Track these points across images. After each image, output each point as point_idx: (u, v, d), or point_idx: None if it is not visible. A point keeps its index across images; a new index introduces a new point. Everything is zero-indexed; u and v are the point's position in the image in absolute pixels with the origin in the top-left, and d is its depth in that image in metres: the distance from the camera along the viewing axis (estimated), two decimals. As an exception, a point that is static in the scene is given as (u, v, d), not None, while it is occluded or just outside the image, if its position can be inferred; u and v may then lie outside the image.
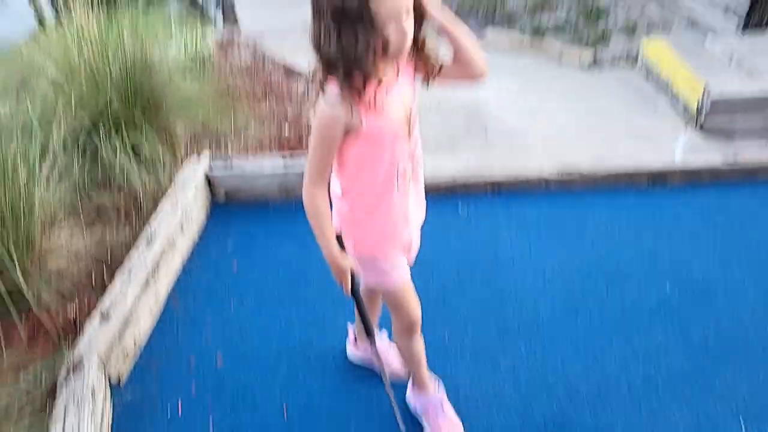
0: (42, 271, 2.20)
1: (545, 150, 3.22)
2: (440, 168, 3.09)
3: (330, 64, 1.19)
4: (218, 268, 2.47)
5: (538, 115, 3.61)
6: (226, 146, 3.52)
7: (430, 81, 1.36)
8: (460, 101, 3.86)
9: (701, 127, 3.26)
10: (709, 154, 3.07)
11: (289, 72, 4.85)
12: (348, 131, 1.26)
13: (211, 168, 2.76)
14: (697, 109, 3.31)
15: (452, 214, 2.68)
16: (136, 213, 2.74)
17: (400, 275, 1.51)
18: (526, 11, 4.92)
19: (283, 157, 2.69)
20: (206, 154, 2.83)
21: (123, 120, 2.82)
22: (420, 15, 1.24)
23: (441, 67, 1.34)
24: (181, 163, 3.28)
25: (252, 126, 3.86)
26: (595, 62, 4.25)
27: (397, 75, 1.28)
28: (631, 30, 4.46)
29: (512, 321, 2.10)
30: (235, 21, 5.94)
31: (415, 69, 1.34)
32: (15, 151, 2.20)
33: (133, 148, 2.79)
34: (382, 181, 1.36)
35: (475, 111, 3.71)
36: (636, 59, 4.16)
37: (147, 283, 2.15)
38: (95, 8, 3.37)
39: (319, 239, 1.36)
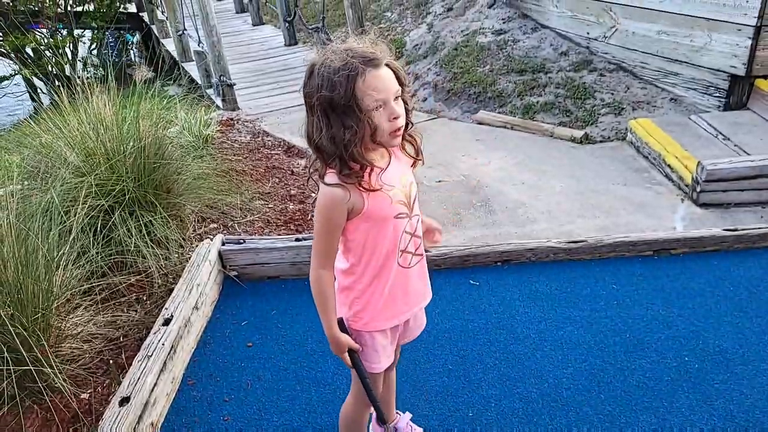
0: (57, 355, 2.16)
1: (549, 222, 3.30)
2: (449, 241, 3.15)
3: (325, 155, 1.29)
4: (233, 346, 2.45)
5: (537, 188, 3.72)
6: (233, 224, 3.57)
7: (416, 162, 1.46)
8: (460, 177, 3.98)
9: (697, 200, 3.40)
10: (708, 225, 3.17)
11: (290, 149, 4.98)
12: (351, 213, 1.34)
13: (224, 245, 2.79)
14: (693, 183, 3.45)
15: (465, 286, 2.70)
16: (149, 293, 2.74)
17: (381, 364, 1.55)
18: (516, 92, 5.17)
19: (297, 239, 2.73)
20: (220, 234, 2.87)
21: (138, 201, 2.87)
22: (408, 107, 1.34)
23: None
24: (191, 241, 3.31)
25: (257, 203, 3.93)
26: (587, 138, 4.44)
27: (390, 156, 1.37)
28: (617, 108, 4.69)
29: (534, 393, 2.09)
30: (234, 102, 6.14)
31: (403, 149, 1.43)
32: (35, 235, 2.22)
33: (146, 228, 2.82)
34: (383, 258, 1.42)
35: (476, 186, 3.82)
36: (625, 135, 4.36)
37: (165, 365, 2.12)
38: (110, 92, 3.50)
39: (321, 316, 1.43)
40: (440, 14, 6.78)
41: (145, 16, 10.51)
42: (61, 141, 2.79)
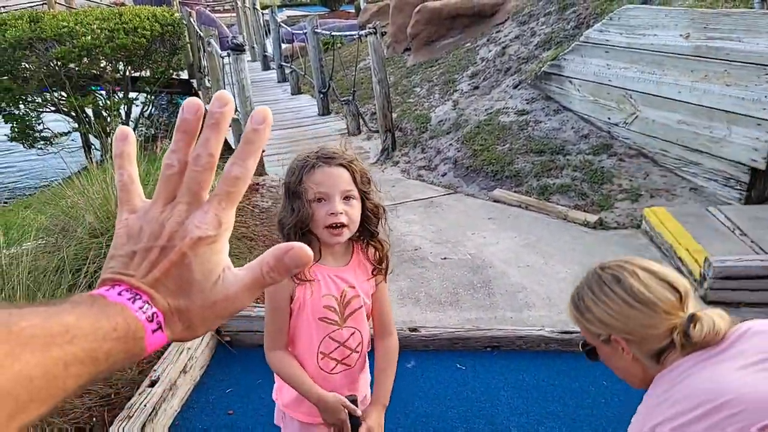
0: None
1: (547, 309, 3.26)
2: (442, 321, 3.14)
3: (281, 234, 1.40)
4: (214, 413, 2.47)
5: (541, 273, 3.70)
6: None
7: (374, 274, 1.47)
8: (466, 256, 4.00)
9: (705, 297, 3.29)
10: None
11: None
12: (290, 300, 1.41)
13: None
14: (700, 279, 3.36)
15: (451, 370, 2.68)
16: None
17: None
18: (533, 173, 5.23)
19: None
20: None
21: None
22: (375, 213, 1.41)
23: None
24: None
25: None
26: (601, 224, 4.42)
27: (349, 259, 1.44)
28: (635, 194, 4.68)
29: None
30: (262, 167, 6.38)
31: (369, 260, 1.47)
32: (42, 293, 2.35)
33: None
34: (303, 353, 1.45)
35: (480, 266, 3.82)
36: (640, 223, 4.32)
37: (144, 427, 2.16)
38: (139, 151, 3.71)
39: (300, 389, 1.42)
40: (466, 92, 7.00)
41: (194, 82, 11.19)
42: (83, 203, 2.97)
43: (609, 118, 5.43)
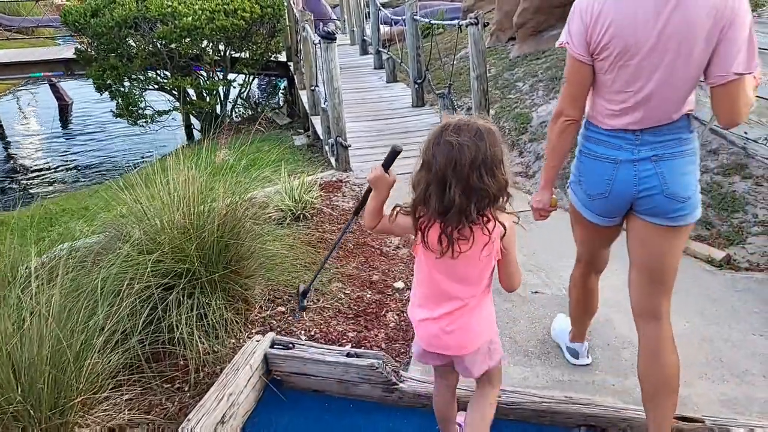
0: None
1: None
2: (526, 381, 2.67)
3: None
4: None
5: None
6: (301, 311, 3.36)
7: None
8: (561, 291, 3.46)
9: None
10: None
11: (388, 224, 4.75)
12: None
13: (273, 347, 2.57)
14: None
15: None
16: (189, 387, 2.58)
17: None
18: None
19: (348, 355, 2.44)
20: (271, 333, 2.66)
21: (199, 285, 2.76)
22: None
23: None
24: (253, 325, 3.15)
25: (335, 285, 3.71)
26: (728, 262, 3.71)
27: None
28: (775, 227, 3.91)
29: None
30: (347, 163, 6.10)
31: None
32: (77, 315, 2.15)
33: (201, 315, 2.69)
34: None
35: (578, 306, 3.28)
36: (780, 265, 3.58)
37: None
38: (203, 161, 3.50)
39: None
40: (575, 92, 6.29)
41: (291, 65, 11.11)
42: (134, 214, 2.78)
43: (746, 132, 4.59)
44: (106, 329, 2.25)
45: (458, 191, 1.61)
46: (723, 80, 1.82)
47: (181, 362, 2.69)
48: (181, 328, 2.52)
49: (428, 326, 1.86)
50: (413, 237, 1.82)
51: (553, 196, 2.32)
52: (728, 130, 4.72)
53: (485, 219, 1.69)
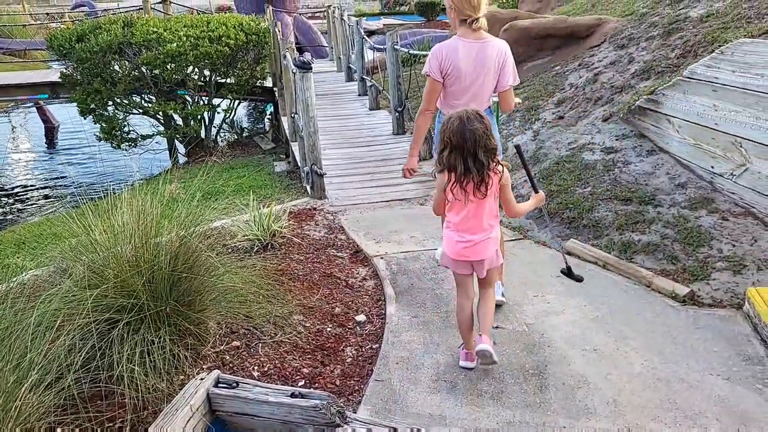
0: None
1: (612, 418, 2.64)
2: (477, 421, 2.63)
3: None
4: None
5: (611, 361, 3.08)
6: (258, 343, 3.31)
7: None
8: (522, 328, 3.43)
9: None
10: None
11: (356, 254, 4.71)
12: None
13: (217, 385, 2.52)
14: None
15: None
16: (131, 428, 2.52)
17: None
18: (616, 224, 4.54)
19: (292, 395, 2.39)
20: (216, 371, 2.60)
21: (149, 317, 2.71)
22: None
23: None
24: (204, 360, 3.09)
25: (296, 317, 3.66)
26: (692, 298, 3.69)
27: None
28: (738, 264, 3.89)
29: None
30: (322, 191, 6.09)
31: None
32: (9, 354, 2.10)
33: (147, 351, 2.64)
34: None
35: (537, 343, 3.25)
36: (742, 304, 3.56)
37: None
38: (173, 185, 3.46)
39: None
40: (549, 122, 6.34)
41: (276, 91, 11.17)
42: (83, 246, 2.74)
43: (712, 167, 4.63)
44: (39, 367, 2.19)
45: (481, 154, 2.64)
46: (503, 89, 3.48)
47: (126, 400, 2.62)
48: (122, 365, 2.46)
49: (463, 244, 2.88)
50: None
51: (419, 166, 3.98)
52: (694, 164, 4.77)
53: (493, 167, 2.75)
